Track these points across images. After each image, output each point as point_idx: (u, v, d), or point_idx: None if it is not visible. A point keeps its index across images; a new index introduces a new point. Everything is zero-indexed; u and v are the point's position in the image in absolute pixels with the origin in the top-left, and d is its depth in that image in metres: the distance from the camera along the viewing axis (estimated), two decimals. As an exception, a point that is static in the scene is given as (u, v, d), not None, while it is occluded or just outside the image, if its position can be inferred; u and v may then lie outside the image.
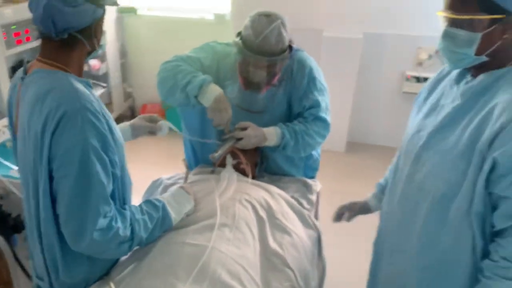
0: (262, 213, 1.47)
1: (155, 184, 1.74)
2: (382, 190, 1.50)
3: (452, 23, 1.04)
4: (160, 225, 1.30)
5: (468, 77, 1.13)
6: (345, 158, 3.53)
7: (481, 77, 1.08)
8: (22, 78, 1.17)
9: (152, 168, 3.07)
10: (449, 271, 1.14)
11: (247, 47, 1.54)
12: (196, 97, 1.55)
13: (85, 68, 3.28)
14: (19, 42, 2.46)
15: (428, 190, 1.14)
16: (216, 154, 1.60)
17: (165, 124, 1.58)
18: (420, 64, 3.46)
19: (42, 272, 1.24)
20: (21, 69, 1.20)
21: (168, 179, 1.73)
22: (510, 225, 1.02)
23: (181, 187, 1.45)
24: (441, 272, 1.16)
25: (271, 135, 1.68)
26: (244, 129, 1.65)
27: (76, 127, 1.06)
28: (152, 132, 1.58)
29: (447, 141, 1.10)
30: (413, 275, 1.21)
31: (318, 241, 1.66)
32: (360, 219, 1.60)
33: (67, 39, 1.12)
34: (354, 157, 3.56)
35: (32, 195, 1.16)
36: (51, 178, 1.10)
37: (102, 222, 1.11)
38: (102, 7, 1.15)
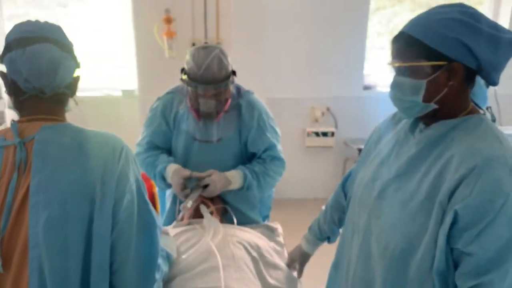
0: (254, 253, 1.50)
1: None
2: (315, 234, 1.51)
3: (398, 71, 1.06)
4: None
5: (421, 126, 1.11)
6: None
7: (435, 126, 1.07)
8: (21, 142, 1.02)
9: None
10: None
11: (193, 79, 1.64)
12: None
13: None
14: None
15: (385, 244, 1.08)
16: (188, 204, 1.61)
17: None
18: (316, 120, 3.92)
19: None
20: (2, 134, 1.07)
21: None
22: (474, 284, 0.94)
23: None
24: None
25: (234, 177, 1.76)
26: (208, 176, 1.71)
27: (130, 165, 1.08)
28: None
29: (404, 191, 1.07)
30: None
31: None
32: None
33: (58, 94, 1.07)
34: (276, 212, 3.71)
35: (75, 263, 1.00)
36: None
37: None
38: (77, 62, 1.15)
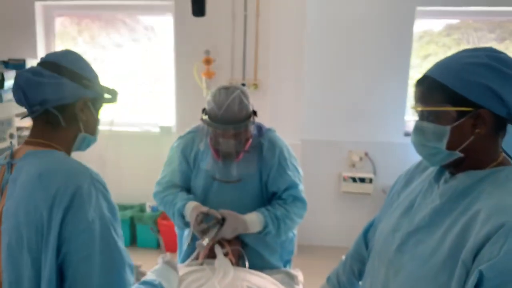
0: (264, 300, 1.41)
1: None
2: (333, 285, 1.43)
3: (422, 116, 1.02)
4: None
5: (447, 175, 1.05)
6: (297, 260, 3.51)
7: (461, 176, 1.00)
8: (9, 164, 1.07)
9: None
10: None
11: (213, 119, 1.62)
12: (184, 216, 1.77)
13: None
14: None
15: None
16: (204, 242, 1.56)
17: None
18: (353, 165, 3.80)
19: None
20: (4, 154, 1.12)
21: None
22: None
23: (166, 263, 1.39)
24: None
25: (253, 223, 1.69)
26: (223, 219, 1.65)
27: (92, 201, 0.99)
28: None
29: (425, 245, 0.99)
30: None
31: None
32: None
33: (48, 116, 1.08)
34: (306, 260, 3.56)
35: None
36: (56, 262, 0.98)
37: None
38: (88, 88, 1.12)
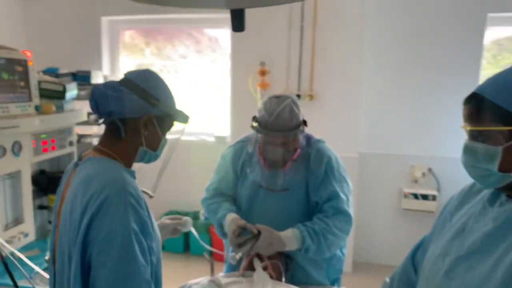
0: (303, 317, 1.34)
1: (182, 291, 1.60)
2: None
3: (471, 136, 0.97)
4: None
5: (503, 198, 0.99)
6: (352, 278, 3.36)
7: None
8: (76, 165, 1.18)
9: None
10: None
11: (263, 126, 1.62)
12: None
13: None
14: (45, 150, 2.36)
15: None
16: (237, 255, 1.55)
17: (189, 220, 1.61)
18: (415, 181, 3.59)
19: None
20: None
21: (196, 284, 1.59)
22: None
23: (211, 281, 1.41)
24: None
25: (290, 240, 1.61)
26: (258, 234, 1.60)
27: (119, 210, 1.03)
28: (176, 230, 1.59)
29: (475, 272, 0.94)
30: None
31: None
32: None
33: (114, 126, 1.14)
34: (361, 278, 3.40)
35: (67, 279, 1.09)
36: (82, 262, 1.03)
37: None
38: (155, 106, 1.15)
